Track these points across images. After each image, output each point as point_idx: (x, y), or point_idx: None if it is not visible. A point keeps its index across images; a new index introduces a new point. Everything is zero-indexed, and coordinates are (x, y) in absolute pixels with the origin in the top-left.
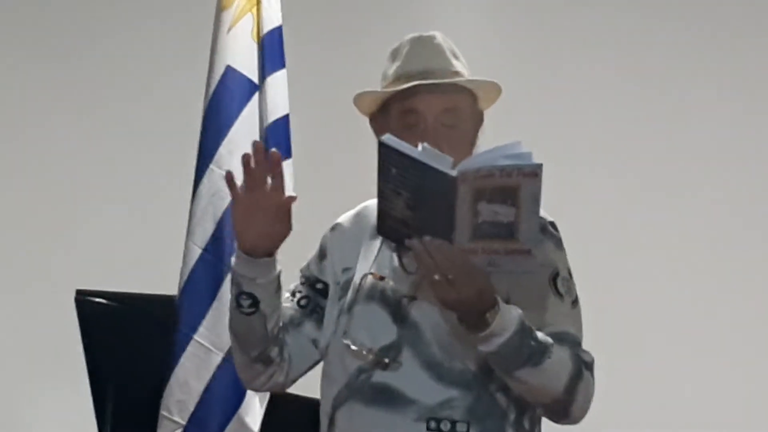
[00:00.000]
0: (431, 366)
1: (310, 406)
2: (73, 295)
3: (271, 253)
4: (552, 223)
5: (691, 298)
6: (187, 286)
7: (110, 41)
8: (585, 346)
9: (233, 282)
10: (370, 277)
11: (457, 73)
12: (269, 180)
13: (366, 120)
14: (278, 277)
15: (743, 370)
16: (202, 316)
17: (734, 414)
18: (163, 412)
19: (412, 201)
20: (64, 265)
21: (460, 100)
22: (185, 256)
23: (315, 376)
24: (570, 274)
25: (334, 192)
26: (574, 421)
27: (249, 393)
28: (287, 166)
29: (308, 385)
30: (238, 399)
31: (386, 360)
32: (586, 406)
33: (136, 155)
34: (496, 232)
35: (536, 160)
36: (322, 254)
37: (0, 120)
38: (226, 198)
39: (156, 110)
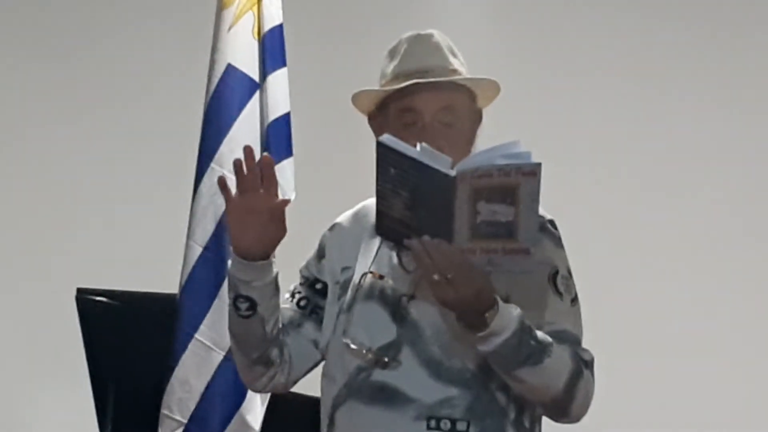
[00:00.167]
0: (431, 365)
1: (311, 404)
2: (73, 293)
3: (266, 256)
4: (551, 221)
5: (691, 298)
6: (187, 285)
7: (110, 41)
8: (585, 345)
9: (230, 285)
10: (369, 276)
11: (455, 71)
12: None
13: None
14: (275, 279)
15: (743, 370)
16: (203, 314)
17: (734, 414)
18: (164, 411)
19: (410, 201)
20: (65, 263)
21: (458, 98)
22: (186, 254)
23: (316, 374)
24: (569, 273)
25: (336, 190)
26: (575, 419)
27: (250, 391)
28: (288, 164)
29: (309, 384)
30: (239, 397)
31: (386, 359)
32: (586, 405)
33: (136, 154)
34: (495, 231)
35: (535, 159)
36: (320, 254)
37: (0, 120)
38: None
39: (156, 109)
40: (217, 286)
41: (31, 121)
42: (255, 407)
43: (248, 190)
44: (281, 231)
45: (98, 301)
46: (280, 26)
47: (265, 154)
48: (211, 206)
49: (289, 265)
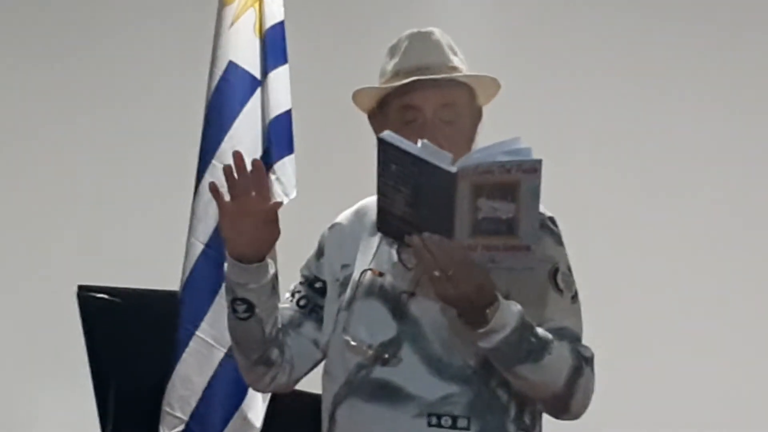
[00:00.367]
0: (431, 361)
1: (312, 401)
2: (74, 290)
3: (261, 258)
4: (552, 219)
5: (691, 298)
6: (189, 282)
7: (111, 39)
8: (585, 344)
9: (227, 288)
10: (369, 273)
11: (455, 69)
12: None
13: None
14: (272, 280)
15: (743, 370)
16: (204, 311)
17: (734, 414)
18: (166, 408)
19: (411, 197)
20: (66, 260)
21: (458, 95)
22: (187, 251)
23: (317, 371)
24: (569, 270)
25: (337, 187)
26: (575, 416)
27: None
28: (289, 161)
29: (310, 381)
30: (241, 395)
31: (386, 356)
32: (587, 402)
33: (137, 151)
34: (496, 228)
35: (535, 156)
36: (320, 252)
37: (0, 120)
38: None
39: (158, 106)
40: (219, 284)
41: (31, 120)
42: (256, 404)
43: (240, 194)
44: (275, 233)
45: (99, 298)
46: (282, 23)
47: (256, 158)
48: (213, 203)
49: (289, 265)
